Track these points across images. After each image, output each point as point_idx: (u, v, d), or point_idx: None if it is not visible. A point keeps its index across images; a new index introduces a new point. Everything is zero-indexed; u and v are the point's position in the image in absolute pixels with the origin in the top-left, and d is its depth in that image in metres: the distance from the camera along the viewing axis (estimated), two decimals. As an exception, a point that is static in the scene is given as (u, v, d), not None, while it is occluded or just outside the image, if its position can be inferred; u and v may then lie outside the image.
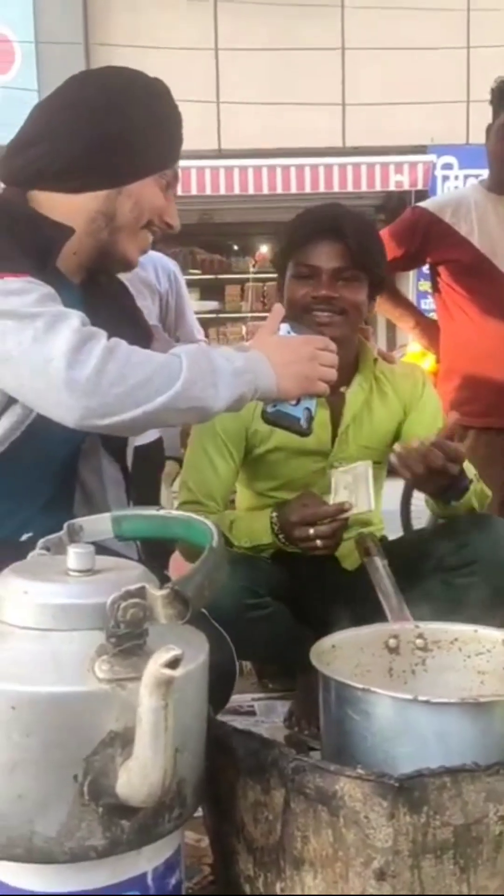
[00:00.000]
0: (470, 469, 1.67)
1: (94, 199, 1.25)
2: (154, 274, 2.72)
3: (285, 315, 1.35)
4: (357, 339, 1.78)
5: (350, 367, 1.76)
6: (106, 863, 0.83)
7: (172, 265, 2.86)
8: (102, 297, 1.35)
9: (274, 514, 1.62)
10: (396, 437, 1.81)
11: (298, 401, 1.27)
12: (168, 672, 0.75)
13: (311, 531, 1.55)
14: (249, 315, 10.64)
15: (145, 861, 0.86)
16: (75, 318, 1.09)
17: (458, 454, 1.53)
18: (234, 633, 1.31)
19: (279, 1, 7.84)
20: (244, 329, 9.49)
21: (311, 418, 1.30)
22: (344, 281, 1.66)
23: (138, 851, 0.85)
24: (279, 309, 1.35)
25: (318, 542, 1.55)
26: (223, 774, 0.98)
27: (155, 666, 0.76)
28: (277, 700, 1.79)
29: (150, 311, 2.58)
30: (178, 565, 1.81)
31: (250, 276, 10.89)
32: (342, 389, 1.74)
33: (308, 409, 1.29)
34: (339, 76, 8.17)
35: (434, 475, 1.52)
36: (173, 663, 0.76)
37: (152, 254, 2.81)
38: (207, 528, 0.98)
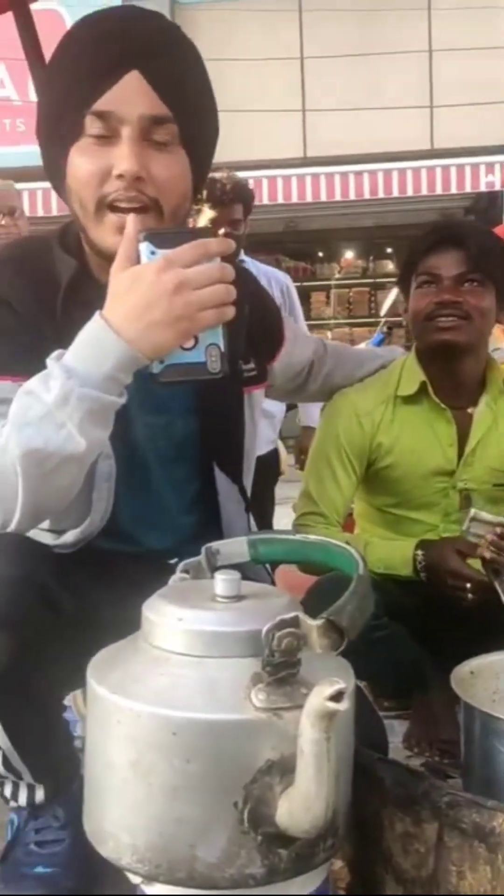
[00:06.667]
0: None
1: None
2: (267, 287, 2.72)
3: (144, 230, 0.97)
4: (485, 355, 1.73)
5: (478, 384, 1.72)
6: (261, 891, 0.84)
7: (285, 278, 2.84)
8: None
9: (420, 553, 1.60)
10: None
11: (196, 342, 0.98)
12: (333, 705, 0.75)
13: (469, 587, 1.52)
14: (333, 322, 10.65)
15: (297, 889, 0.87)
16: None
17: None
18: (355, 655, 1.29)
19: (364, 6, 7.80)
20: (329, 335, 9.50)
21: (221, 355, 0.99)
22: (468, 285, 1.63)
23: (291, 881, 0.85)
24: (132, 220, 0.98)
25: (471, 596, 1.53)
26: (367, 802, 0.97)
27: (319, 699, 0.76)
28: (395, 720, 1.77)
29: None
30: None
31: (334, 282, 10.90)
32: (469, 410, 1.71)
33: (214, 346, 0.99)
34: (427, 78, 8.06)
35: None
36: (337, 696, 0.76)
37: (265, 268, 2.81)
38: (351, 555, 0.98)
